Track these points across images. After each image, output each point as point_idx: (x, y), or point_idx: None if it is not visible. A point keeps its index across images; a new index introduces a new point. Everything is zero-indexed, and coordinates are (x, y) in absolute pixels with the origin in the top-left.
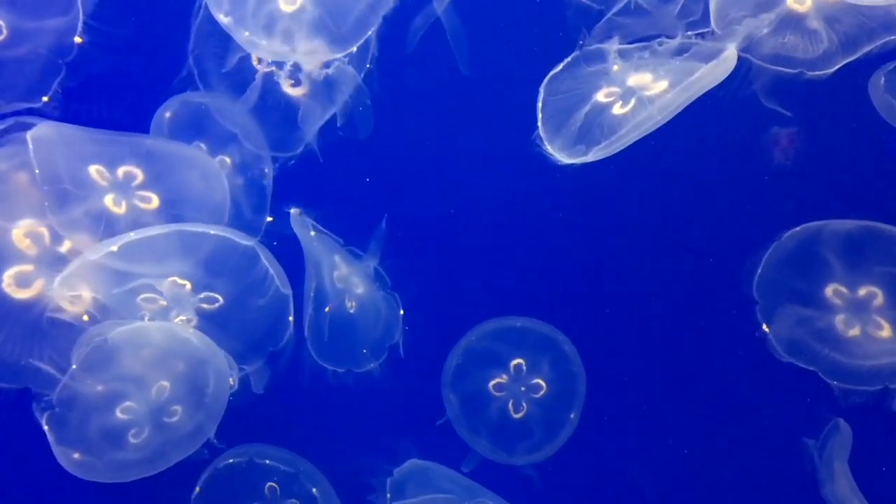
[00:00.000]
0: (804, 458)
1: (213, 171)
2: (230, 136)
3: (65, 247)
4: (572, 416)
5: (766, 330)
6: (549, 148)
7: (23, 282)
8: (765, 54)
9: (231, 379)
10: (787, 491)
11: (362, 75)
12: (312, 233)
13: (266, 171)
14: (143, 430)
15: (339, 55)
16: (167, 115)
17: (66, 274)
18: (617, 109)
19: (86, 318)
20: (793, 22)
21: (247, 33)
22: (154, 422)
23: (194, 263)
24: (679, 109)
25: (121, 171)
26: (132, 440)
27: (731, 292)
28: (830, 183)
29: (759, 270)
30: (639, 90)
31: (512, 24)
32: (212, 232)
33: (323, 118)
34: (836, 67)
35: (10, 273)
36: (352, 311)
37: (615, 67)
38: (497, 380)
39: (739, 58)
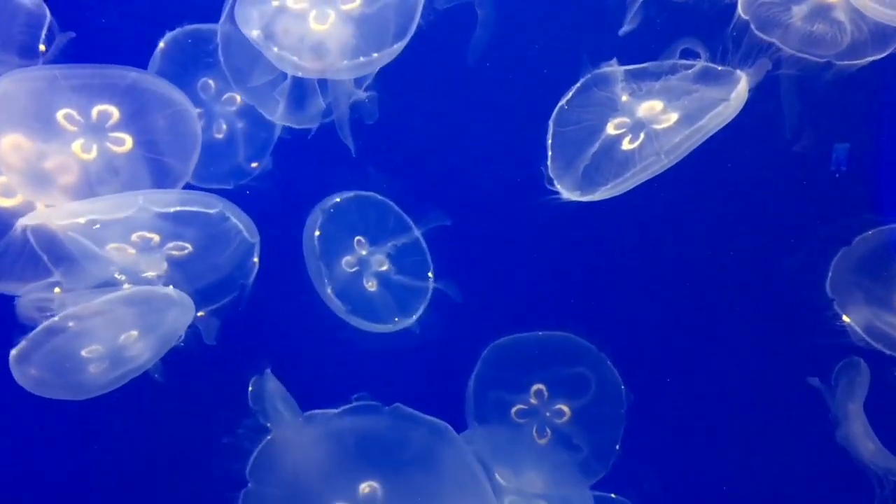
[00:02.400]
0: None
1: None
2: None
3: (49, 164)
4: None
5: (847, 320)
6: (558, 186)
7: (7, 192)
8: (793, 42)
9: (201, 313)
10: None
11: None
12: (318, 232)
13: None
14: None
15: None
16: (161, 45)
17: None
18: (626, 145)
19: (57, 290)
20: (822, 11)
21: (276, 49)
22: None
23: (162, 217)
24: (689, 151)
25: (95, 110)
26: (86, 355)
27: (776, 300)
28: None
29: (831, 274)
30: (648, 123)
31: (539, 24)
32: (178, 209)
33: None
34: (866, 60)
35: None
36: (372, 290)
37: (624, 98)
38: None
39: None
